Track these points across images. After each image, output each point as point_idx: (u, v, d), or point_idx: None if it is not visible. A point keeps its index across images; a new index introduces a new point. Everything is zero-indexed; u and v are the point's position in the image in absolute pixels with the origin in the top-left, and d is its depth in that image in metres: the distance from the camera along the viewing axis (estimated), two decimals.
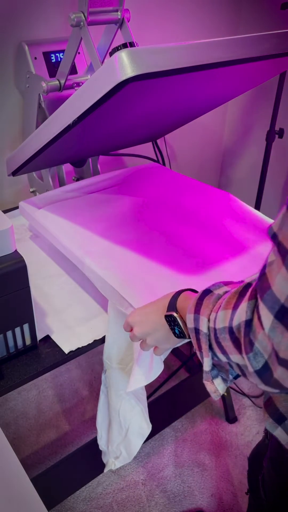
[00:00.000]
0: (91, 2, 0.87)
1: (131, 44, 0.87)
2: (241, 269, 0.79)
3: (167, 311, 0.63)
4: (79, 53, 1.11)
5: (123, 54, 0.59)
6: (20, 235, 1.06)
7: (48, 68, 1.06)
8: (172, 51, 0.62)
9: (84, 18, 0.87)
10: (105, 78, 0.62)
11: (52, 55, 1.07)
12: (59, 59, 1.08)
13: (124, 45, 0.83)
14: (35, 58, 1.05)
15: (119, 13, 0.95)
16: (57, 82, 1.01)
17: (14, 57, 1.08)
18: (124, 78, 0.59)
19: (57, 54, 1.08)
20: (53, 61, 1.07)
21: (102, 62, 0.98)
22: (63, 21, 1.12)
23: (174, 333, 0.63)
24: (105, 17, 0.93)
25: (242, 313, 0.44)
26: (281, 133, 1.46)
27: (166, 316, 0.63)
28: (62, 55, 1.08)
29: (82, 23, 0.87)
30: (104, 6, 0.91)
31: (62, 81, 1.00)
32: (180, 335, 0.62)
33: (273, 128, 1.45)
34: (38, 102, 1.05)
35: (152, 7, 1.28)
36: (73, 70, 1.10)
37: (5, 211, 1.12)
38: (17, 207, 1.05)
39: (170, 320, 0.62)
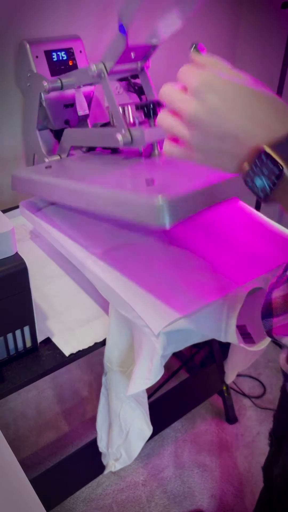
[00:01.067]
0: (121, 59, 0.84)
1: (159, 104, 0.84)
2: (244, 273, 0.79)
3: (267, 148, 0.37)
4: (80, 51, 1.11)
5: (163, 204, 0.60)
6: (20, 235, 1.05)
7: (49, 67, 1.05)
8: (202, 194, 0.65)
9: (105, 70, 0.85)
10: (141, 212, 0.64)
11: (53, 53, 1.06)
12: (60, 58, 1.07)
13: (154, 105, 0.82)
14: (37, 56, 1.04)
15: (139, 63, 0.93)
16: (59, 81, 1.00)
17: (15, 56, 1.07)
18: (160, 226, 0.62)
19: (58, 53, 1.07)
20: (54, 60, 1.06)
21: None
22: (64, 20, 1.12)
23: (249, 183, 0.40)
24: (126, 67, 0.90)
25: None
26: None
27: (263, 156, 0.37)
28: (64, 53, 1.07)
29: (103, 74, 0.85)
30: (130, 61, 0.88)
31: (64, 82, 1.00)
32: (260, 192, 0.39)
33: None
34: (39, 101, 1.05)
35: (152, 6, 1.28)
36: (74, 69, 1.09)
37: (4, 211, 1.11)
38: (17, 207, 1.04)
39: (264, 165, 0.37)
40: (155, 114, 0.83)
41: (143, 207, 0.64)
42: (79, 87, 1.00)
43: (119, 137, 0.82)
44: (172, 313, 0.69)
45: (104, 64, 0.84)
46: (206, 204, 0.68)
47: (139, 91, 1.29)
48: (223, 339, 0.76)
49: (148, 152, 0.86)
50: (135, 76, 1.30)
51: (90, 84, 1.09)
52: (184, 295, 0.72)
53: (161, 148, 0.85)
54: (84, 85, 1.09)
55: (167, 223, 0.62)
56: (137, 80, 1.31)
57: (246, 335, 0.79)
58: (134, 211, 0.66)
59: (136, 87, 1.29)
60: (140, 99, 1.29)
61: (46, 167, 0.94)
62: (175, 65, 1.37)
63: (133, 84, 1.28)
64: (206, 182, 0.66)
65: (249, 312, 0.85)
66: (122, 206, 0.68)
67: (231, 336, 0.74)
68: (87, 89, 1.11)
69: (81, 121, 1.11)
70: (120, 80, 1.29)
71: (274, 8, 1.39)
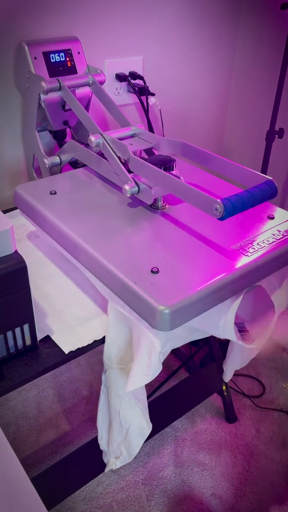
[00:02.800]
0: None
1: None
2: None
3: None
4: (78, 53, 1.12)
5: (167, 312, 0.66)
6: (20, 235, 1.06)
7: (48, 68, 1.06)
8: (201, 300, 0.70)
9: (104, 139, 0.94)
10: (143, 310, 0.70)
11: (52, 55, 1.07)
12: (59, 59, 1.08)
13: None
14: (35, 58, 1.05)
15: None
16: (57, 82, 1.01)
17: (14, 57, 1.08)
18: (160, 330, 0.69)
19: (56, 54, 1.08)
20: (52, 61, 1.07)
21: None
22: (62, 21, 1.13)
23: None
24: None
25: None
26: (281, 133, 1.46)
27: None
28: (62, 55, 1.08)
29: (101, 143, 0.94)
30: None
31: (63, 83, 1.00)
32: None
33: (273, 128, 1.45)
34: (38, 102, 1.05)
35: (153, 5, 1.28)
36: (72, 70, 1.10)
37: (5, 211, 1.12)
38: (16, 207, 1.05)
39: None
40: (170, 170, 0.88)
41: (146, 307, 0.69)
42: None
43: (127, 187, 0.87)
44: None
45: (102, 135, 0.94)
46: (211, 306, 0.73)
47: (139, 92, 1.30)
48: (221, 336, 0.77)
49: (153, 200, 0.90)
50: (136, 77, 1.31)
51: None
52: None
53: (164, 201, 0.92)
54: (81, 87, 1.10)
55: (168, 329, 0.68)
56: (137, 81, 1.32)
57: (244, 332, 0.80)
58: (136, 305, 0.72)
59: (136, 88, 1.29)
60: (140, 99, 1.30)
61: (51, 193, 0.96)
62: (175, 65, 1.38)
63: (133, 85, 1.29)
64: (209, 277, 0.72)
65: (247, 309, 0.86)
66: (125, 293, 0.73)
67: (229, 332, 0.75)
68: (85, 90, 1.12)
69: (79, 122, 1.12)
70: (120, 80, 1.30)
71: (274, 9, 1.40)
